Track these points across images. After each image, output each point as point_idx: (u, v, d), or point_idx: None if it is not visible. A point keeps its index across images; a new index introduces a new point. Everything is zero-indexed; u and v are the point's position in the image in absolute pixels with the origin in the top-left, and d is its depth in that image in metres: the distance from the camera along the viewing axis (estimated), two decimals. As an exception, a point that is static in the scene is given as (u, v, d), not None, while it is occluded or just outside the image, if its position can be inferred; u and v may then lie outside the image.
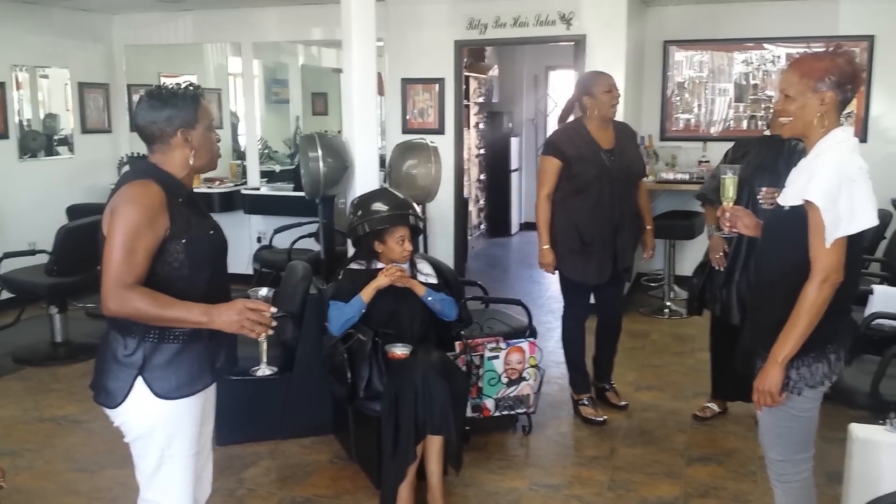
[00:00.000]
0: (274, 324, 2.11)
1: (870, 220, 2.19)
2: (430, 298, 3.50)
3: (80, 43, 7.24)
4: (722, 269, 3.86)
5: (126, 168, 2.33)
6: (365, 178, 4.52)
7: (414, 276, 3.52)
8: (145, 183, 2.09)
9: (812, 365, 2.28)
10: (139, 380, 2.11)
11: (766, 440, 2.47)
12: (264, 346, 2.20)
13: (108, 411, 2.19)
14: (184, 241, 2.10)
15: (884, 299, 4.06)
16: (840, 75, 2.22)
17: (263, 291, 2.16)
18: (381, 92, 6.94)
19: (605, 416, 4.17)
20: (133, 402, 2.12)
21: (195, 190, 2.36)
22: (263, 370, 2.24)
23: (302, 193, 4.88)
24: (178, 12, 7.25)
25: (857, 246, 2.27)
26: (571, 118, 4.24)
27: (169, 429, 2.17)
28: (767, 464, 2.49)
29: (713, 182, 3.73)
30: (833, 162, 2.21)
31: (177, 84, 2.20)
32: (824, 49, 2.30)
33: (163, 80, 8.19)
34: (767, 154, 3.70)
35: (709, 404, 4.21)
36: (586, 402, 4.21)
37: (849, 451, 2.80)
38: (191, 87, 2.20)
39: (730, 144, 4.17)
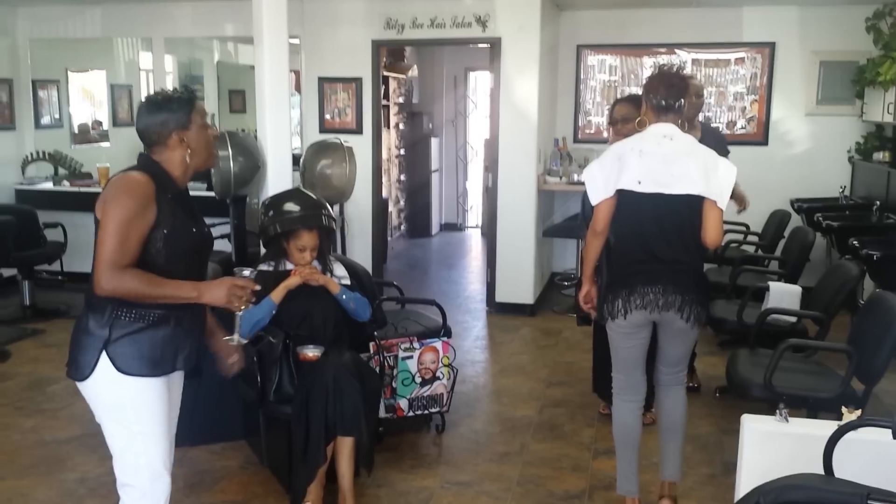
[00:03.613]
0: (254, 299, 2.36)
1: (616, 185, 2.94)
2: (344, 297, 3.49)
3: (-19, 36, 6.94)
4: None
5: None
6: (278, 178, 4.48)
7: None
8: (140, 175, 2.25)
9: (612, 301, 3.04)
10: (104, 354, 2.24)
11: None
12: (239, 319, 2.41)
13: (78, 385, 2.32)
14: (165, 231, 2.25)
15: (779, 295, 4.27)
16: (646, 89, 3.07)
17: (247, 272, 2.41)
18: (297, 90, 6.89)
19: None
20: (99, 375, 2.25)
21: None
22: (237, 339, 2.45)
23: (213, 193, 4.80)
24: (85, 5, 7.01)
25: (632, 210, 2.96)
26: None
27: (135, 403, 2.28)
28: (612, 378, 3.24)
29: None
30: (613, 147, 3.07)
31: (173, 88, 2.40)
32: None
33: (70, 75, 7.94)
34: None
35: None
36: None
37: (741, 440, 2.92)
38: (185, 90, 2.39)
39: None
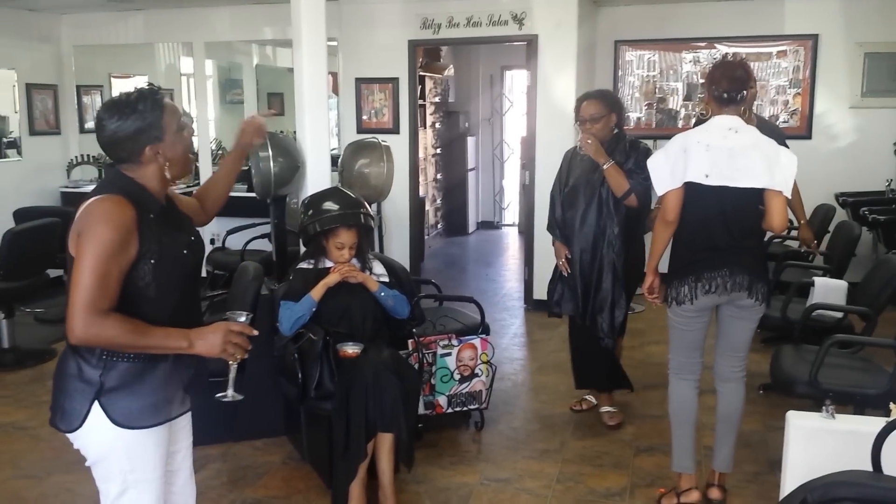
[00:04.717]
0: (250, 347, 2.03)
1: (683, 178, 2.98)
2: (382, 294, 3.51)
3: (28, 43, 7.11)
4: (566, 273, 4.02)
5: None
6: (317, 178, 4.51)
7: (366, 276, 3.53)
8: (117, 200, 1.92)
9: (678, 287, 3.12)
10: (96, 404, 1.96)
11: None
12: (234, 372, 2.10)
13: (67, 435, 2.04)
14: (152, 261, 1.95)
15: (824, 291, 4.18)
16: (708, 80, 3.10)
17: (242, 317, 2.07)
18: (335, 91, 6.94)
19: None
20: (90, 426, 1.97)
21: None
22: (232, 395, 2.14)
23: (254, 194, 4.86)
24: (127, 12, 7.15)
25: (699, 201, 3.01)
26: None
27: (131, 453, 2.03)
28: (669, 360, 3.31)
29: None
30: (678, 138, 3.10)
31: (135, 89, 2.00)
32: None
33: (113, 80, 8.11)
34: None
35: (587, 397, 4.32)
36: None
37: (787, 438, 2.87)
38: (149, 91, 2.01)
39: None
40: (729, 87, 3.02)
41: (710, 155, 2.97)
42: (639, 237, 4.03)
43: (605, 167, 3.73)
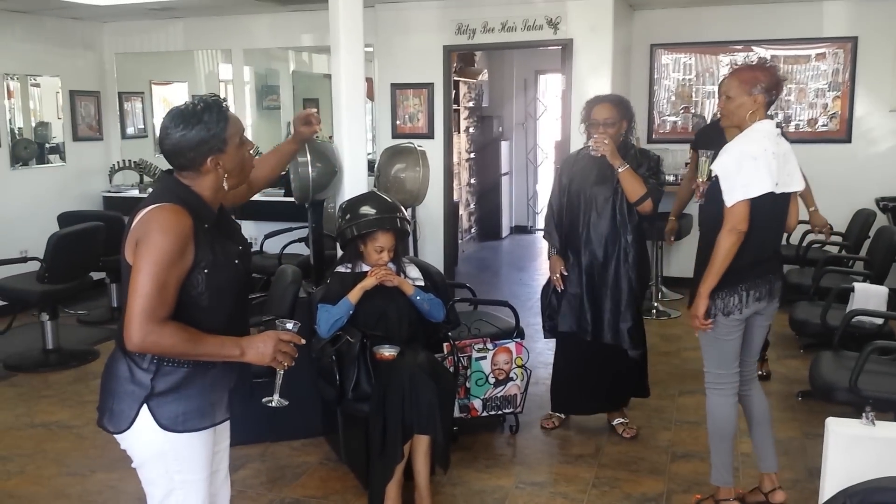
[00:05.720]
0: (297, 355, 2.08)
1: (762, 189, 2.86)
2: (418, 298, 3.54)
3: (71, 51, 7.29)
4: (560, 289, 3.90)
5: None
6: (354, 183, 4.56)
7: (401, 280, 3.57)
8: (175, 209, 1.95)
9: (726, 298, 2.98)
10: (145, 407, 2.00)
11: (703, 355, 3.20)
12: (280, 379, 2.14)
13: (115, 436, 2.07)
14: (206, 270, 1.98)
15: (864, 297, 4.14)
16: (768, 83, 2.95)
17: (290, 325, 2.10)
18: (370, 97, 7.01)
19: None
20: (139, 429, 2.01)
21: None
22: (277, 401, 2.17)
23: (292, 198, 4.92)
24: (168, 20, 7.30)
25: (764, 209, 2.90)
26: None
27: (178, 455, 2.07)
28: (704, 374, 3.21)
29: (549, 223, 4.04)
30: (740, 143, 2.94)
31: (200, 99, 2.03)
32: (756, 62, 3.14)
33: (154, 87, 8.27)
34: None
35: (559, 414, 4.21)
36: None
37: (826, 445, 2.84)
38: (215, 101, 2.03)
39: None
40: (780, 92, 3.03)
41: (777, 162, 2.92)
42: (644, 245, 3.91)
43: (620, 170, 3.61)
